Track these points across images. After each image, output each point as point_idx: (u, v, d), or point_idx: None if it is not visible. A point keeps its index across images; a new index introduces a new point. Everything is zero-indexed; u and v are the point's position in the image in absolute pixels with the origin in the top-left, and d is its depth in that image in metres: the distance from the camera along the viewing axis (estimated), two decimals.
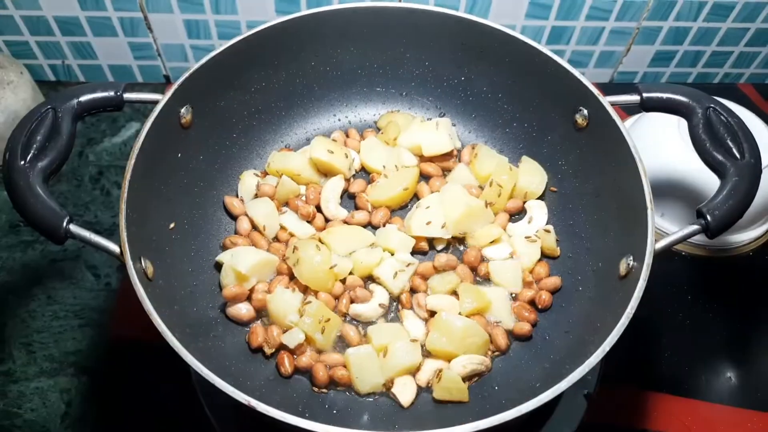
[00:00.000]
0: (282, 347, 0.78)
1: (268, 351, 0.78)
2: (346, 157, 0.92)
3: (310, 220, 0.88)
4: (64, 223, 0.64)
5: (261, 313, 0.81)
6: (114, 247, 0.66)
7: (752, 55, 1.24)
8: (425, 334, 0.80)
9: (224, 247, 0.86)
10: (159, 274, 0.72)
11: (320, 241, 0.84)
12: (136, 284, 0.63)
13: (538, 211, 0.90)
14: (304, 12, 0.86)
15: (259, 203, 0.88)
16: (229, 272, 0.81)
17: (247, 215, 0.88)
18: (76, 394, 0.88)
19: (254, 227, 0.88)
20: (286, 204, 0.90)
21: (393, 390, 0.76)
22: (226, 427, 0.81)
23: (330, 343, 0.79)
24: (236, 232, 0.88)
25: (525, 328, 0.81)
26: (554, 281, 0.84)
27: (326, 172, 0.93)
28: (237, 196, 0.91)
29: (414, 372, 0.78)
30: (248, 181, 0.91)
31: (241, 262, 0.80)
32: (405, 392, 0.76)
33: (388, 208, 0.90)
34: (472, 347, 0.78)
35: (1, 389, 0.88)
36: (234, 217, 0.89)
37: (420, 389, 0.77)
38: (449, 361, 0.78)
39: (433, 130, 0.93)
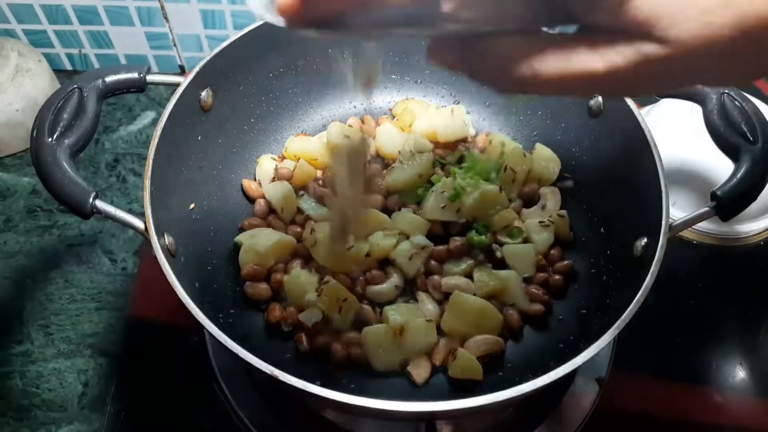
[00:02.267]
0: (299, 326, 0.79)
1: (285, 329, 0.79)
2: None
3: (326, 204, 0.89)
4: (91, 199, 0.66)
5: (279, 292, 0.82)
6: (139, 223, 0.67)
7: None
8: (440, 314, 0.81)
9: (242, 229, 0.87)
10: (180, 252, 0.73)
11: None
12: (161, 258, 0.64)
13: (552, 197, 0.91)
14: None
15: (277, 186, 0.89)
16: (247, 252, 0.82)
17: (264, 198, 0.89)
18: (92, 374, 0.89)
19: (272, 210, 0.89)
20: (303, 187, 0.91)
21: (408, 368, 0.77)
22: (244, 406, 0.82)
23: (347, 322, 0.80)
24: (254, 215, 0.89)
25: (539, 309, 0.82)
26: (568, 265, 0.85)
27: None
28: (255, 179, 0.92)
29: (429, 351, 0.79)
30: (266, 164, 0.92)
31: (260, 242, 0.81)
32: (420, 371, 0.77)
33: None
34: (487, 328, 0.79)
35: (20, 369, 0.90)
36: (252, 200, 0.90)
37: (435, 368, 0.78)
38: (464, 340, 0.79)
39: (448, 117, 0.94)
